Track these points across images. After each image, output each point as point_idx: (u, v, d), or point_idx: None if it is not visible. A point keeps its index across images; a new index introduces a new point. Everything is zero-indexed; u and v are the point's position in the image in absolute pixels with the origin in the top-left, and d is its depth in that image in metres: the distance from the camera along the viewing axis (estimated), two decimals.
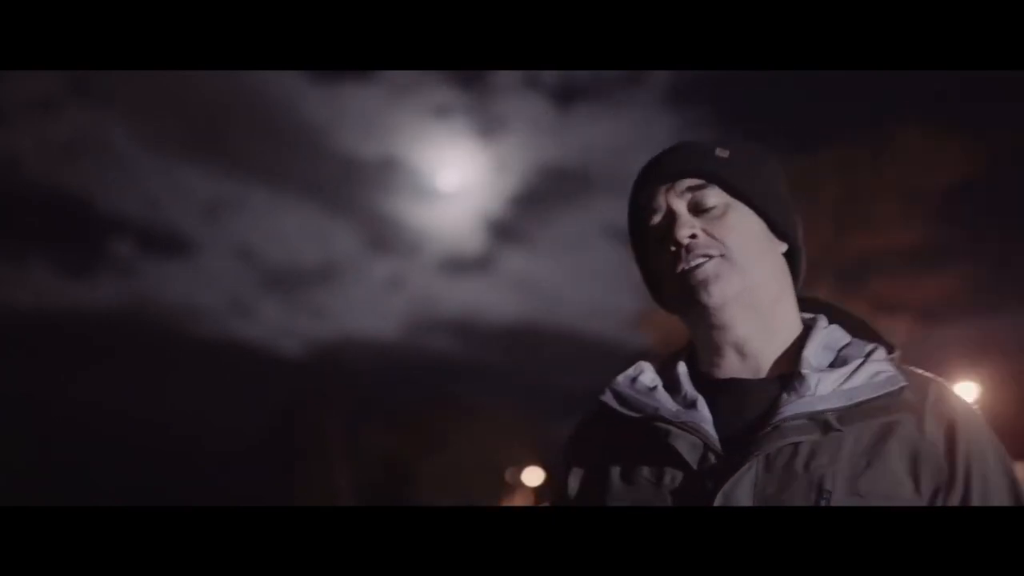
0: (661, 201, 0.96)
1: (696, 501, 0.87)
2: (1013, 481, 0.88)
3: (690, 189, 0.95)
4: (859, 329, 0.98)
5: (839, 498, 0.83)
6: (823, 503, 0.83)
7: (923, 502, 0.85)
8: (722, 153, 0.96)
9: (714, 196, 0.94)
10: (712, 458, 0.88)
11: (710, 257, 0.92)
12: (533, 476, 23.67)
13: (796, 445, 0.86)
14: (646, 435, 0.92)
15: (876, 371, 0.89)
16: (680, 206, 0.94)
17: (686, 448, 0.89)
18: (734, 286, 0.91)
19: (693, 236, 0.92)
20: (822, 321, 0.98)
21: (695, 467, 0.88)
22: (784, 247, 0.98)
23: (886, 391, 0.87)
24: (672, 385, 0.96)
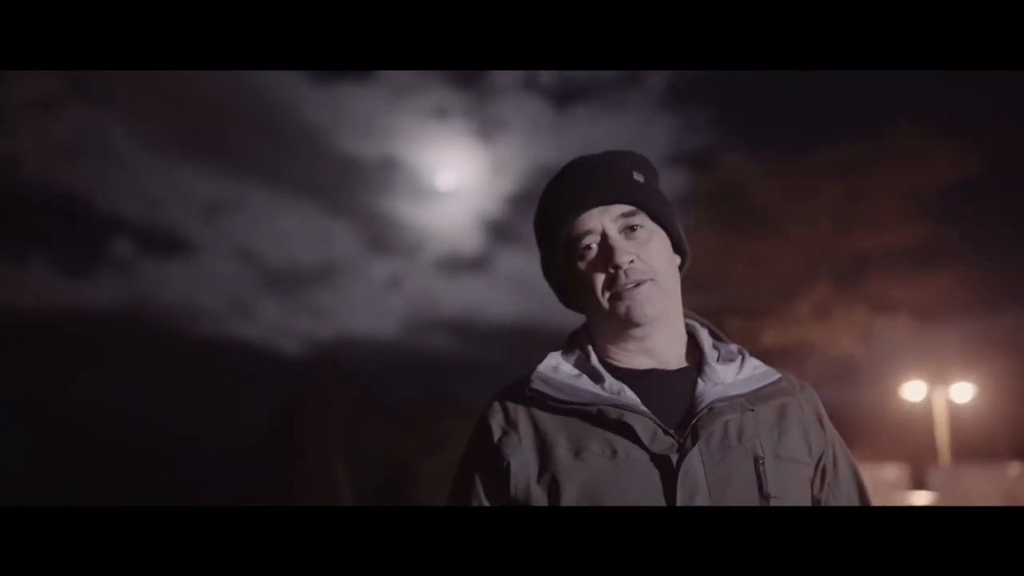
0: (596, 223, 1.09)
1: (654, 473, 1.00)
2: (847, 450, 1.14)
3: (623, 215, 1.09)
4: (713, 332, 1.17)
5: (769, 460, 1.02)
6: (760, 464, 1.02)
7: (812, 463, 1.08)
8: (638, 177, 1.11)
9: (640, 221, 1.09)
10: (661, 435, 1.01)
11: (643, 281, 1.07)
12: None
13: (726, 423, 1.03)
14: (584, 417, 1.04)
15: (755, 366, 1.11)
16: (613, 230, 1.08)
17: (640, 427, 1.01)
18: (661, 307, 1.08)
19: (631, 261, 1.07)
20: (697, 324, 1.16)
21: (648, 443, 1.01)
22: (678, 260, 1.15)
23: (770, 381, 1.10)
24: (592, 375, 1.08)
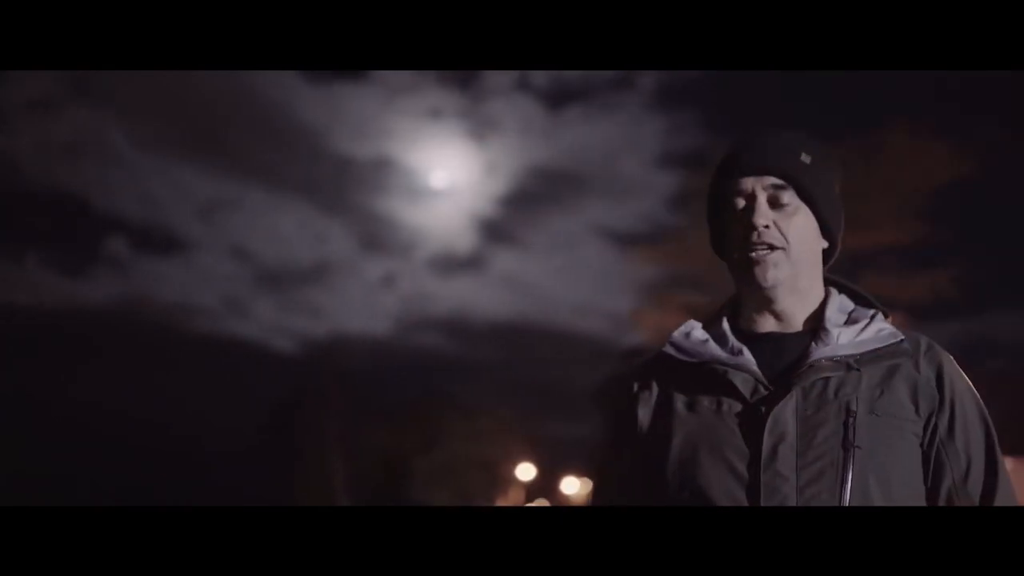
0: (748, 187, 1.18)
1: (750, 423, 1.10)
2: (981, 407, 1.16)
3: (774, 186, 1.17)
4: (858, 297, 1.25)
5: (861, 417, 1.08)
6: (851, 420, 1.07)
7: (921, 421, 1.11)
8: (805, 159, 1.19)
9: (789, 196, 1.17)
10: (762, 390, 1.12)
11: (774, 248, 1.16)
12: (526, 472, 23.68)
13: (826, 379, 1.11)
14: (703, 375, 1.16)
15: (880, 328, 1.16)
16: (762, 197, 1.17)
17: (741, 382, 1.13)
18: (785, 274, 1.16)
19: (767, 226, 1.16)
20: (834, 291, 1.24)
21: (748, 397, 1.12)
22: (826, 244, 1.22)
23: (889, 343, 1.14)
24: (719, 338, 1.20)
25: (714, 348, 1.18)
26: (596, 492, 1.27)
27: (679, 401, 1.17)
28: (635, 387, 1.23)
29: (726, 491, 1.07)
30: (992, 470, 1.12)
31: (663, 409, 1.18)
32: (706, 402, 1.14)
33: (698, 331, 1.23)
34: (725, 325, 1.22)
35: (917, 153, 15.02)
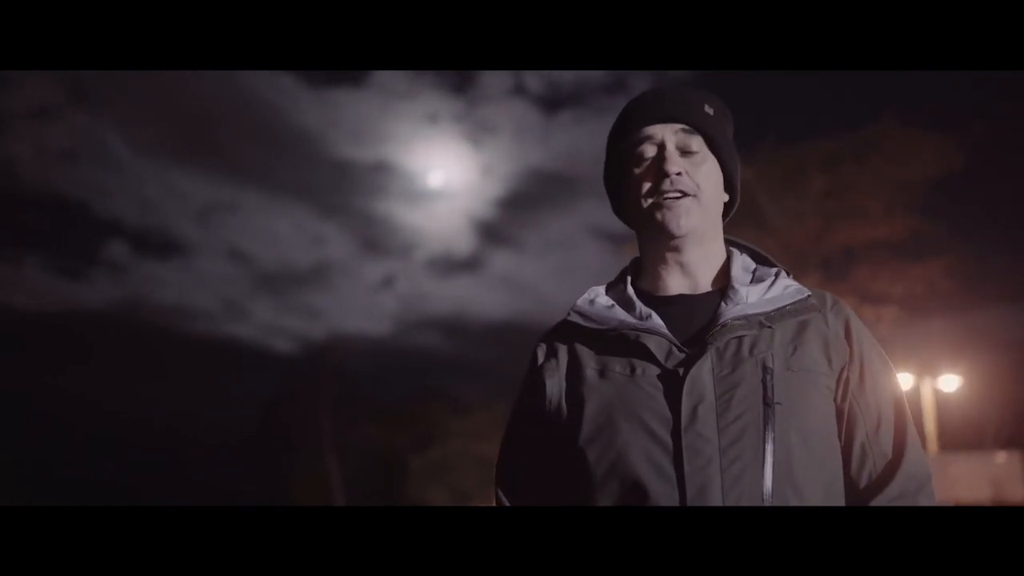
0: (658, 135, 1.17)
1: (668, 386, 1.08)
2: (887, 361, 1.17)
3: (683, 133, 1.17)
4: (757, 256, 1.25)
5: (778, 373, 1.07)
6: (768, 377, 1.07)
7: (834, 375, 1.11)
8: (708, 110, 1.19)
9: (697, 144, 1.17)
10: (676, 353, 1.10)
11: (686, 194, 1.14)
12: None
13: (740, 338, 1.10)
14: (612, 341, 1.13)
15: (787, 285, 1.16)
16: (672, 145, 1.16)
17: (655, 346, 1.10)
18: (695, 221, 1.15)
19: (679, 173, 1.14)
20: (736, 250, 1.24)
21: (663, 360, 1.09)
22: (727, 198, 1.23)
23: (797, 299, 1.14)
24: (625, 303, 1.17)
25: (621, 313, 1.15)
26: (501, 464, 1.21)
27: (589, 368, 1.13)
28: (541, 357, 1.20)
29: (646, 455, 1.04)
30: (901, 423, 1.13)
31: (573, 377, 1.14)
32: (619, 368, 1.11)
33: (602, 297, 1.20)
34: (630, 289, 1.19)
35: (910, 147, 15.04)
